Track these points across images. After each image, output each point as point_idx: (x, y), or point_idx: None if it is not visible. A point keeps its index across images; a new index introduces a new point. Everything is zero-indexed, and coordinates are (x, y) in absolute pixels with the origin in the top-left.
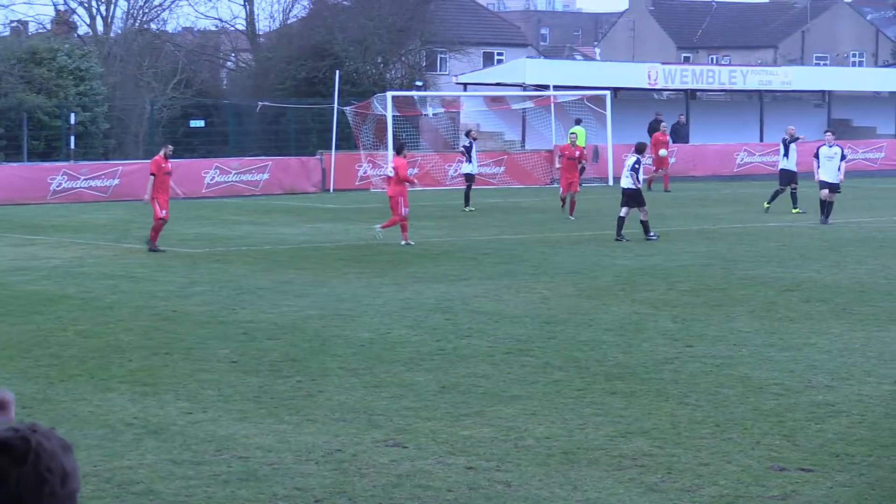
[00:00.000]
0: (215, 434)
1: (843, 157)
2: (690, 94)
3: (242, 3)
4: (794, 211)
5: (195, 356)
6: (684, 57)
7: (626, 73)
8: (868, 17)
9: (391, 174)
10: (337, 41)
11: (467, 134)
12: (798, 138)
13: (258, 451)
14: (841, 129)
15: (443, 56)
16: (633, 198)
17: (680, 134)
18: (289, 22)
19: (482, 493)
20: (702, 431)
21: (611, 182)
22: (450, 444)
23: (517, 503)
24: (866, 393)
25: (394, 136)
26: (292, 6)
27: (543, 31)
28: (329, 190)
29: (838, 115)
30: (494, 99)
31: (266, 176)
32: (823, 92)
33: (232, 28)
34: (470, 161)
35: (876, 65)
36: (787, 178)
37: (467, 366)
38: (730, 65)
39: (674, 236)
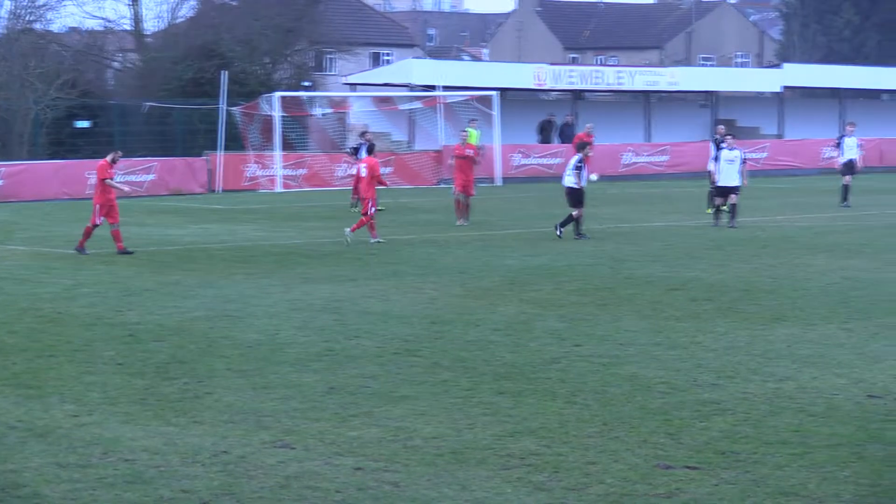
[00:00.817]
0: (101, 437)
1: (743, 161)
2: (577, 95)
3: (129, 2)
4: (707, 211)
5: (81, 358)
6: (571, 58)
7: (513, 74)
8: (752, 19)
9: (363, 174)
10: (224, 41)
11: (362, 135)
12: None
13: (144, 454)
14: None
15: (330, 56)
16: (572, 196)
17: (567, 134)
18: (176, 22)
19: (370, 494)
20: (589, 430)
21: (499, 182)
22: (338, 444)
23: (405, 503)
24: (751, 391)
25: (283, 136)
26: (179, 6)
27: (431, 32)
28: (216, 191)
29: (723, 115)
30: (382, 99)
31: (152, 177)
32: (709, 92)
33: (118, 28)
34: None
35: (760, 65)
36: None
37: (355, 366)
38: (616, 65)
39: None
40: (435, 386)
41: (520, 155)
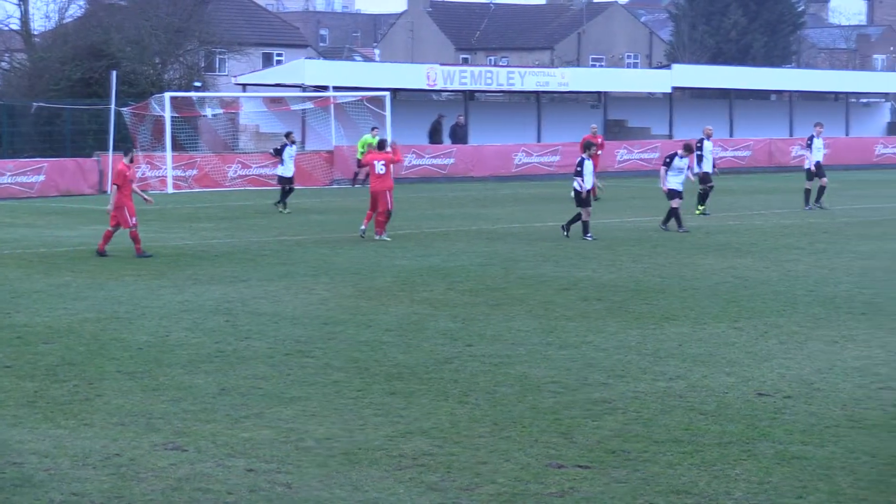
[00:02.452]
0: None
1: (688, 168)
2: (469, 95)
3: (17, 2)
4: (699, 208)
5: None
6: (463, 58)
7: (405, 74)
8: (642, 20)
9: (381, 171)
10: (113, 41)
11: (287, 136)
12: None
13: (33, 457)
14: (616, 130)
15: (221, 57)
16: (577, 198)
17: (459, 135)
18: (64, 22)
19: (262, 496)
20: (480, 430)
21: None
22: (229, 446)
23: None
24: (641, 390)
25: (172, 136)
26: (68, 6)
27: (323, 32)
28: (107, 191)
29: (614, 115)
30: (274, 100)
31: (42, 178)
32: (599, 93)
33: (6, 28)
34: (283, 163)
35: (650, 66)
36: (703, 177)
37: (247, 367)
38: (507, 66)
39: (453, 236)
40: (327, 387)
41: (412, 155)
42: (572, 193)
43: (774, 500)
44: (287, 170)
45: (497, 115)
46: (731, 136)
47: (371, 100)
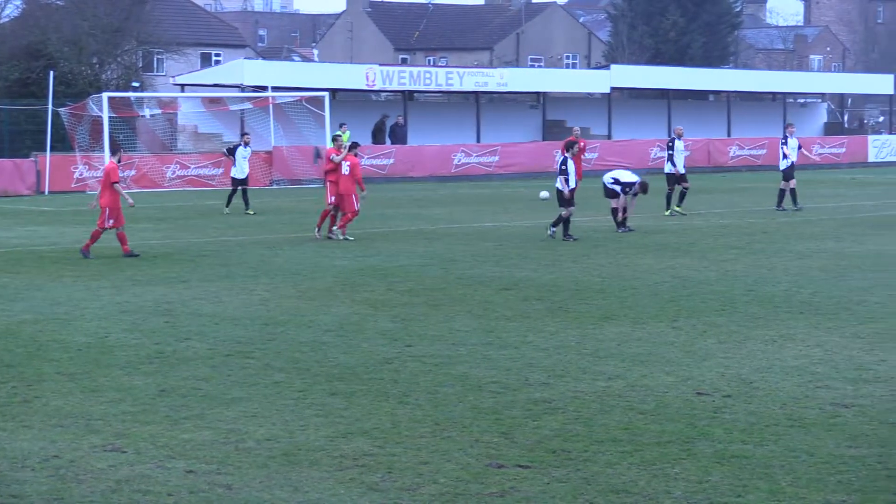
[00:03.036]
0: None
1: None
2: (408, 96)
3: None
4: (676, 208)
5: None
6: (402, 58)
7: (344, 75)
8: (581, 20)
9: (346, 172)
10: (51, 41)
11: (242, 136)
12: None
13: None
14: (555, 131)
15: (160, 57)
16: (561, 197)
17: (398, 135)
18: (1, 22)
19: (202, 497)
20: (421, 430)
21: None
22: (169, 447)
23: None
24: (582, 389)
25: (110, 137)
26: (5, 6)
27: (261, 32)
28: (44, 192)
29: (553, 116)
30: (212, 100)
31: None
32: (538, 93)
33: None
34: (236, 164)
35: (589, 66)
36: (675, 178)
37: (187, 369)
38: (446, 66)
39: (393, 237)
40: (267, 388)
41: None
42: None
43: (713, 499)
44: (240, 171)
45: (436, 115)
46: (669, 136)
47: (310, 100)
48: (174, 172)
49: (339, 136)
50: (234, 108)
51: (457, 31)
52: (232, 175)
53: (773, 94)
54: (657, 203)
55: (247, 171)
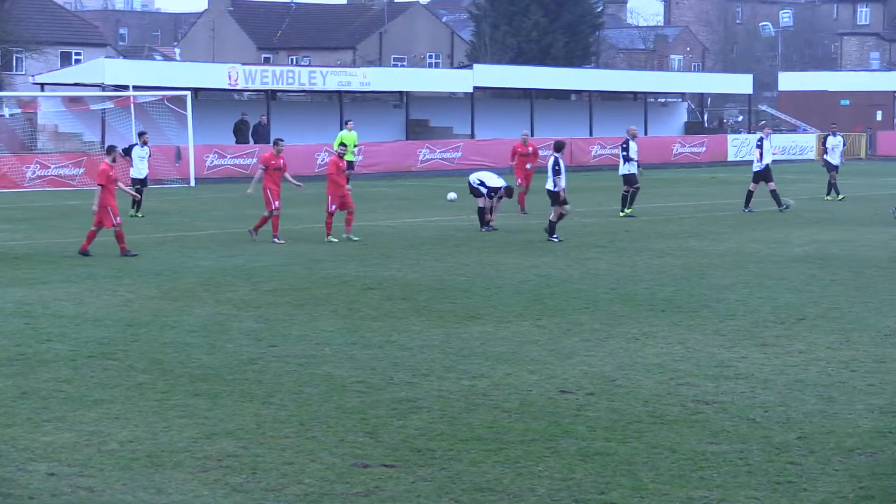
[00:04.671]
0: None
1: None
2: (271, 95)
3: None
4: (627, 211)
5: None
6: (265, 58)
7: (206, 74)
8: (444, 20)
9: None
10: None
11: (140, 136)
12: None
13: None
14: (419, 130)
15: (19, 56)
16: (552, 198)
17: (261, 135)
18: None
19: (65, 500)
20: (286, 431)
21: (193, 183)
22: (30, 450)
23: None
24: (446, 388)
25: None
26: None
27: (122, 31)
28: None
29: (416, 115)
30: (73, 99)
31: None
32: (402, 93)
33: None
34: (132, 165)
35: (452, 66)
36: (630, 179)
37: (48, 370)
38: (309, 66)
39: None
40: (130, 389)
41: (215, 155)
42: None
43: (577, 496)
44: (138, 171)
45: (299, 114)
46: (532, 135)
47: (172, 99)
48: (34, 172)
49: (343, 145)
50: (94, 107)
51: (320, 30)
52: (131, 176)
53: (634, 93)
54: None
55: (146, 171)
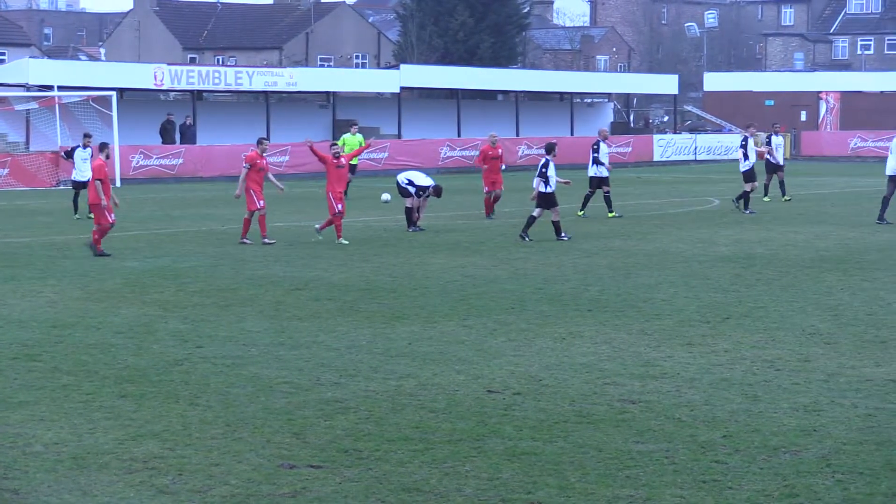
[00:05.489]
0: None
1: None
2: (197, 95)
3: None
4: (610, 215)
5: None
6: (190, 58)
7: (131, 74)
8: (371, 20)
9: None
10: None
11: (84, 137)
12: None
13: None
14: (345, 131)
15: None
16: (545, 200)
17: (187, 135)
18: None
19: None
20: (213, 432)
21: (118, 183)
22: None
23: None
24: (373, 389)
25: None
26: None
27: (47, 31)
28: None
29: (343, 115)
30: None
31: None
32: (328, 93)
33: None
34: (75, 167)
35: (378, 66)
36: (598, 181)
37: None
38: (236, 66)
39: (183, 237)
40: (55, 391)
41: (140, 156)
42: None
43: (504, 496)
44: (80, 174)
45: (226, 115)
46: (458, 136)
47: (98, 100)
48: None
49: (338, 144)
50: (19, 107)
51: (246, 30)
52: (72, 178)
53: (561, 94)
54: (447, 203)
55: (88, 174)
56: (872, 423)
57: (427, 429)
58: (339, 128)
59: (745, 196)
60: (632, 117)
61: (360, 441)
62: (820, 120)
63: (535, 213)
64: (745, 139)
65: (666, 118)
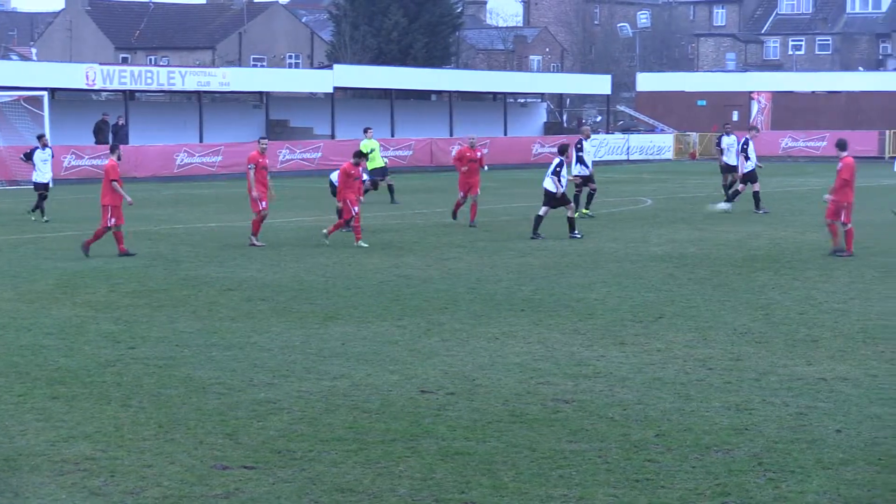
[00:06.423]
0: None
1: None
2: (130, 95)
3: None
4: (584, 210)
5: None
6: (123, 58)
7: (63, 74)
8: (304, 20)
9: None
10: None
11: (39, 138)
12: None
13: None
14: (279, 131)
15: None
16: (556, 199)
17: (119, 135)
18: None
19: None
20: (145, 433)
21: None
22: None
23: None
24: (306, 389)
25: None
26: None
27: None
28: None
29: (276, 115)
30: None
31: None
32: (261, 93)
33: None
34: (36, 168)
35: (312, 66)
36: (583, 180)
37: None
38: (168, 66)
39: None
40: None
41: (72, 156)
42: (549, 191)
43: (438, 496)
44: (41, 175)
45: (158, 115)
46: (392, 135)
47: (29, 100)
48: None
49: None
50: None
51: (179, 30)
52: (34, 180)
53: (494, 94)
54: (379, 199)
55: (49, 174)
56: (804, 421)
57: (361, 429)
58: (272, 127)
59: (755, 197)
60: (565, 117)
61: (294, 442)
62: (751, 120)
63: (541, 213)
64: (746, 141)
65: (599, 118)
